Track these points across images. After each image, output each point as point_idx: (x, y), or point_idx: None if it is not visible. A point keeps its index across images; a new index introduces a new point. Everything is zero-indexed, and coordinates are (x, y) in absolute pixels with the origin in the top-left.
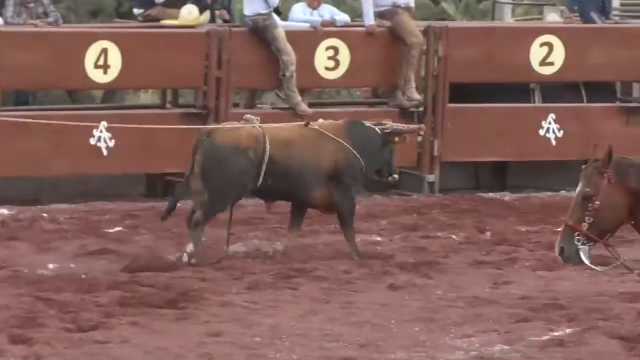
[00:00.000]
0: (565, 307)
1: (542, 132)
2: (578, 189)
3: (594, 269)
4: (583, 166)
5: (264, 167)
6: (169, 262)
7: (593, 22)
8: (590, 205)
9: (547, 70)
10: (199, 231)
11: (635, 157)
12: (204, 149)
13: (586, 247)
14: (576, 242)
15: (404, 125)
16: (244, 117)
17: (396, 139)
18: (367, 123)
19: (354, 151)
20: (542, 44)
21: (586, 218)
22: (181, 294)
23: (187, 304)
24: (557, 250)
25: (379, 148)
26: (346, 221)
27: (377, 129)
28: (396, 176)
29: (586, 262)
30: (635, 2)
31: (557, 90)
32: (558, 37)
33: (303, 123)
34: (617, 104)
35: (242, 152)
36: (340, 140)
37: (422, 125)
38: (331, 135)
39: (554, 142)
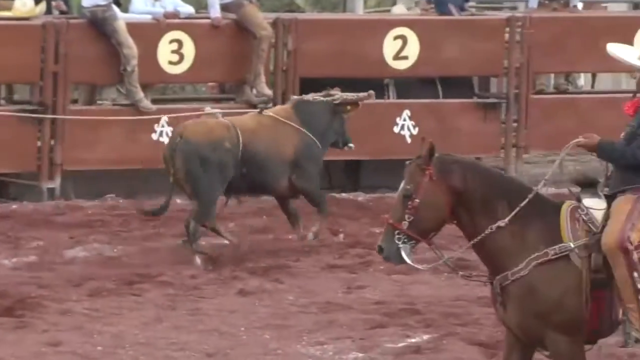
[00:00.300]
0: (421, 312)
1: (396, 129)
2: (400, 186)
3: (417, 268)
4: (407, 162)
5: (239, 154)
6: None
7: (450, 14)
8: (409, 203)
9: (401, 65)
10: (198, 240)
11: (461, 155)
12: (183, 153)
13: (407, 246)
14: (397, 241)
15: (353, 94)
16: (205, 111)
17: (347, 107)
18: (315, 96)
19: (307, 132)
20: (395, 37)
21: (406, 216)
22: (18, 302)
23: (24, 311)
24: (377, 249)
25: (330, 121)
26: (320, 203)
27: (325, 100)
28: (352, 145)
29: (408, 260)
30: None
31: (412, 85)
32: (412, 30)
33: (258, 110)
34: (474, 99)
35: (219, 144)
36: (294, 124)
37: (372, 92)
38: (285, 121)
39: (409, 140)
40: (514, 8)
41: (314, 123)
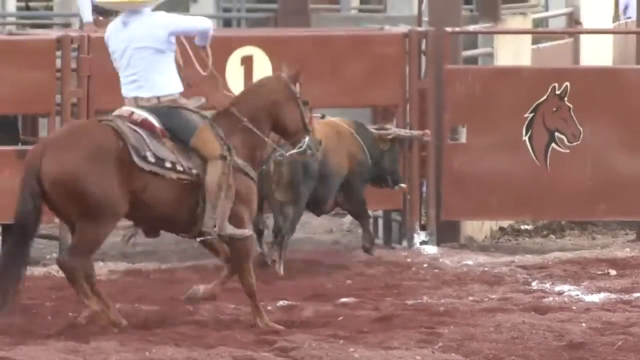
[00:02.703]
0: None
1: None
2: None
3: None
4: None
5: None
6: None
7: None
8: None
9: None
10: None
11: None
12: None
13: None
14: None
15: (407, 131)
16: None
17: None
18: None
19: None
20: None
21: None
22: None
23: None
24: None
25: (380, 154)
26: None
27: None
28: (403, 185)
29: None
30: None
31: None
32: None
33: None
34: (19, 146)
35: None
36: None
37: (427, 131)
38: (352, 131)
39: None
40: (68, 25)
41: (369, 149)
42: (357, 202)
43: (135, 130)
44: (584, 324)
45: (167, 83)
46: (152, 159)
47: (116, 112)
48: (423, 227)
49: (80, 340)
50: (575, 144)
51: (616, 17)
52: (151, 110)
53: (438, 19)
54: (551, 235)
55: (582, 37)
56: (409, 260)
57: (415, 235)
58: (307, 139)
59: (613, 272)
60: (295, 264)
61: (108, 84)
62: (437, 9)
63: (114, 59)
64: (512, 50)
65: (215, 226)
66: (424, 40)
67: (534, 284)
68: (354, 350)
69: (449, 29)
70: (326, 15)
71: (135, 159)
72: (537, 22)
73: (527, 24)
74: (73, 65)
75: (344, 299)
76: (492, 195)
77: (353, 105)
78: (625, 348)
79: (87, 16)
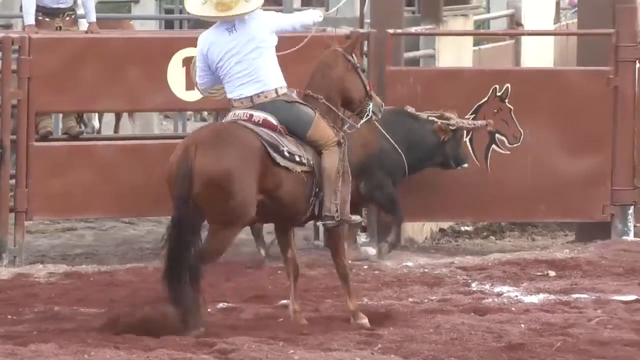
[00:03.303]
0: None
1: None
2: None
3: None
4: None
5: None
6: None
7: None
8: None
9: None
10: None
11: None
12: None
13: None
14: None
15: (471, 121)
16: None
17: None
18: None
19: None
20: None
21: None
22: None
23: None
24: None
25: (423, 137)
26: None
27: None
28: (466, 165)
29: None
30: None
31: None
32: None
33: None
34: None
35: None
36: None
37: (490, 121)
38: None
39: None
40: (9, 26)
41: (400, 132)
42: (380, 193)
43: (264, 130)
44: (523, 325)
45: (279, 77)
46: (287, 154)
47: (230, 117)
48: (364, 229)
49: (18, 343)
50: (515, 145)
51: (557, 19)
52: (265, 108)
53: (380, 21)
54: (491, 237)
55: (524, 38)
56: (349, 261)
57: (357, 237)
58: (370, 105)
59: (552, 273)
60: (235, 267)
61: (48, 86)
62: (379, 11)
63: (218, 67)
64: (454, 52)
65: (337, 211)
66: (366, 42)
67: (473, 285)
68: (293, 352)
69: (390, 31)
70: None
71: (274, 155)
72: (479, 24)
73: (469, 26)
74: (14, 66)
75: (284, 301)
76: (433, 197)
77: None
78: (563, 349)
79: (30, 18)
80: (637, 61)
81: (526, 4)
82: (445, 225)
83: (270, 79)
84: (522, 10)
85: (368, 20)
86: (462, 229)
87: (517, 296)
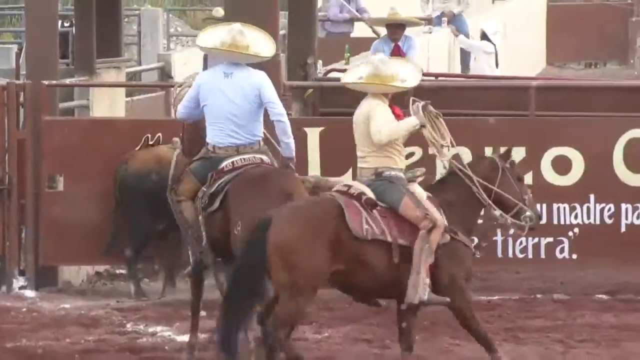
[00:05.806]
0: None
1: None
2: None
3: None
4: None
5: None
6: None
7: None
8: None
9: None
10: None
11: None
12: None
13: None
14: None
15: None
16: None
17: None
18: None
19: None
20: None
21: None
22: None
23: None
24: None
25: None
26: None
27: None
28: None
29: None
30: None
31: None
32: None
33: None
34: None
35: None
36: None
37: None
38: None
39: None
40: None
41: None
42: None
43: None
44: None
45: (260, 129)
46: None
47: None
48: (22, 272)
49: None
50: None
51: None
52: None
53: (35, 72)
54: (145, 279)
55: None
56: (8, 304)
57: (14, 280)
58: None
59: (203, 313)
60: None
61: None
62: (34, 63)
63: (204, 105)
64: (108, 102)
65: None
66: (22, 93)
67: (128, 325)
68: None
69: (45, 82)
70: None
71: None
72: (131, 76)
73: (121, 78)
74: None
75: None
76: (88, 241)
77: None
78: None
79: None
80: None
81: (176, 59)
82: (101, 268)
83: (256, 131)
84: (172, 64)
85: (24, 72)
86: (117, 272)
87: (170, 335)
